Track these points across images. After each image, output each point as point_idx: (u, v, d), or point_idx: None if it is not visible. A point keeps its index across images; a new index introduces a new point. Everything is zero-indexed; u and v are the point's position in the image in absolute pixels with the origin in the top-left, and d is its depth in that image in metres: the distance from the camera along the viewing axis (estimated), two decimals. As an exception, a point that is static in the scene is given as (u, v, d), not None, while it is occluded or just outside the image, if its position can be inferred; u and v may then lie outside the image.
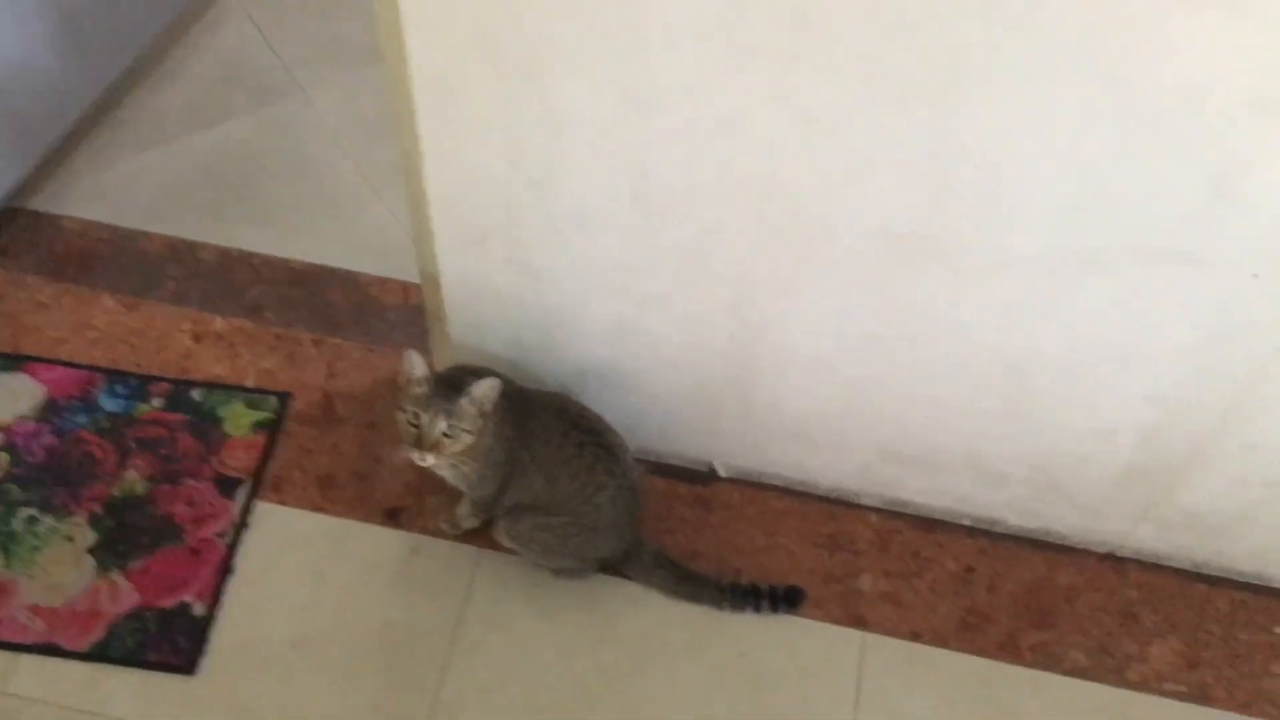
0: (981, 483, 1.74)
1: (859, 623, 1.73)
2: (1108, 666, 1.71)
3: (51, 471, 1.78)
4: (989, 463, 1.69)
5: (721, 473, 1.85)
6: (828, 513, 1.83)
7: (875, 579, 1.78)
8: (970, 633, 1.73)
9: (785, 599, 1.72)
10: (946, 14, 1.09)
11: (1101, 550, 1.81)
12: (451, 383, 1.54)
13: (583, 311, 1.59)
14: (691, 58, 1.18)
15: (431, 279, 1.63)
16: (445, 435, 1.51)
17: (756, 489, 1.85)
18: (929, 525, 1.83)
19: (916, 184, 1.26)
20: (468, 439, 1.53)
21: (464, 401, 1.51)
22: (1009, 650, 1.72)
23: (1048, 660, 1.71)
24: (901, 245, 1.34)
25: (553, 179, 1.38)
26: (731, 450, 1.81)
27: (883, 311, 1.46)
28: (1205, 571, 1.80)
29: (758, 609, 1.72)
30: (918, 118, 1.19)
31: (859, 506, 1.84)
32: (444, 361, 1.77)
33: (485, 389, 1.52)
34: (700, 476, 1.86)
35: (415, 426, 1.52)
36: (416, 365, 1.52)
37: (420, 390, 1.52)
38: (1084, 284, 1.34)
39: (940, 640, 1.72)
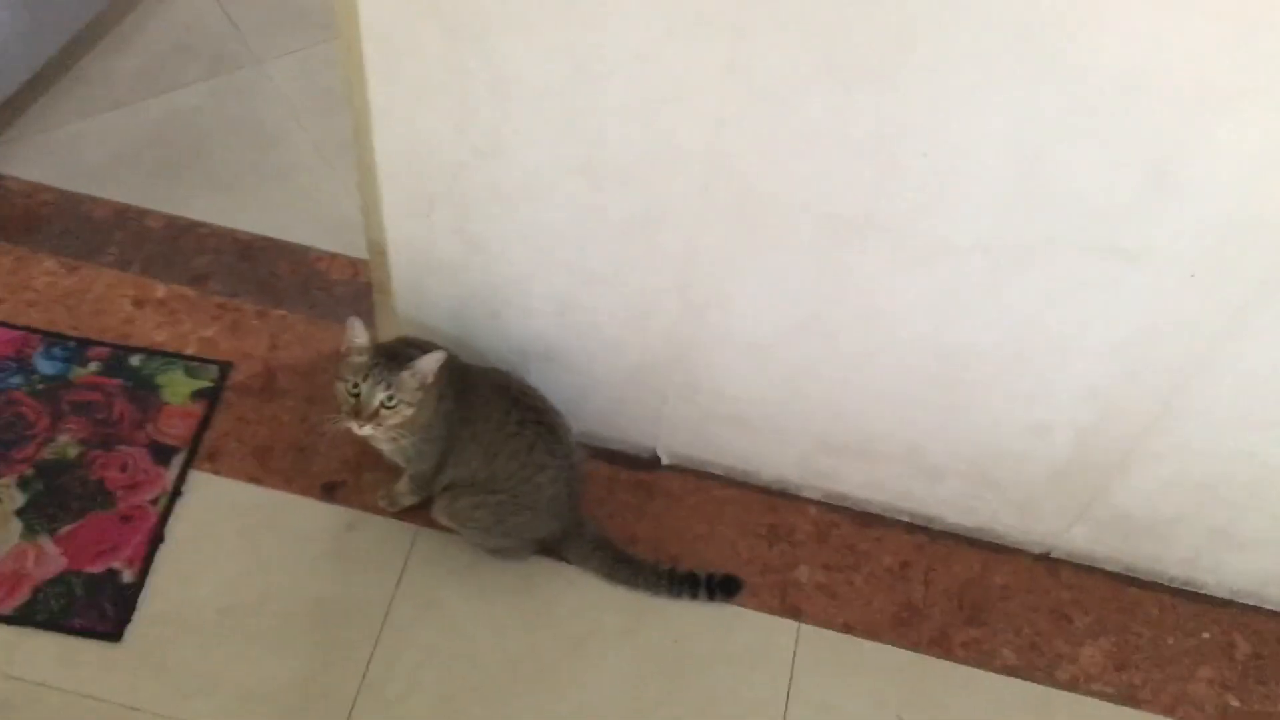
0: (919, 477, 1.74)
1: (794, 613, 1.73)
2: (1038, 665, 1.72)
3: (-19, 431, 1.75)
4: (926, 456, 1.70)
5: (664, 459, 1.85)
6: (768, 504, 1.83)
7: (812, 571, 1.78)
8: (904, 627, 1.74)
9: (722, 587, 1.72)
10: (895, -9, 1.09)
11: (1037, 551, 1.82)
12: (393, 354, 1.53)
13: (528, 287, 1.58)
14: (643, 26, 1.18)
15: (378, 249, 1.62)
16: (384, 406, 1.50)
17: (699, 477, 1.84)
18: (867, 520, 1.83)
19: (861, 165, 1.27)
20: (407, 411, 1.52)
21: (405, 374, 1.50)
22: (941, 646, 1.72)
23: (979, 657, 1.72)
24: (842, 227, 1.34)
25: (500, 147, 1.37)
26: (674, 436, 1.80)
27: (821, 295, 1.46)
28: (1137, 575, 1.82)
29: (695, 596, 1.71)
30: (865, 97, 1.20)
31: (799, 499, 1.84)
32: (388, 335, 1.75)
33: (429, 362, 1.51)
34: (643, 462, 1.85)
35: (355, 396, 1.50)
36: (358, 333, 1.51)
37: (361, 359, 1.51)
38: (1021, 275, 1.36)
39: (874, 633, 1.73)
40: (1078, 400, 1.52)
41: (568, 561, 1.73)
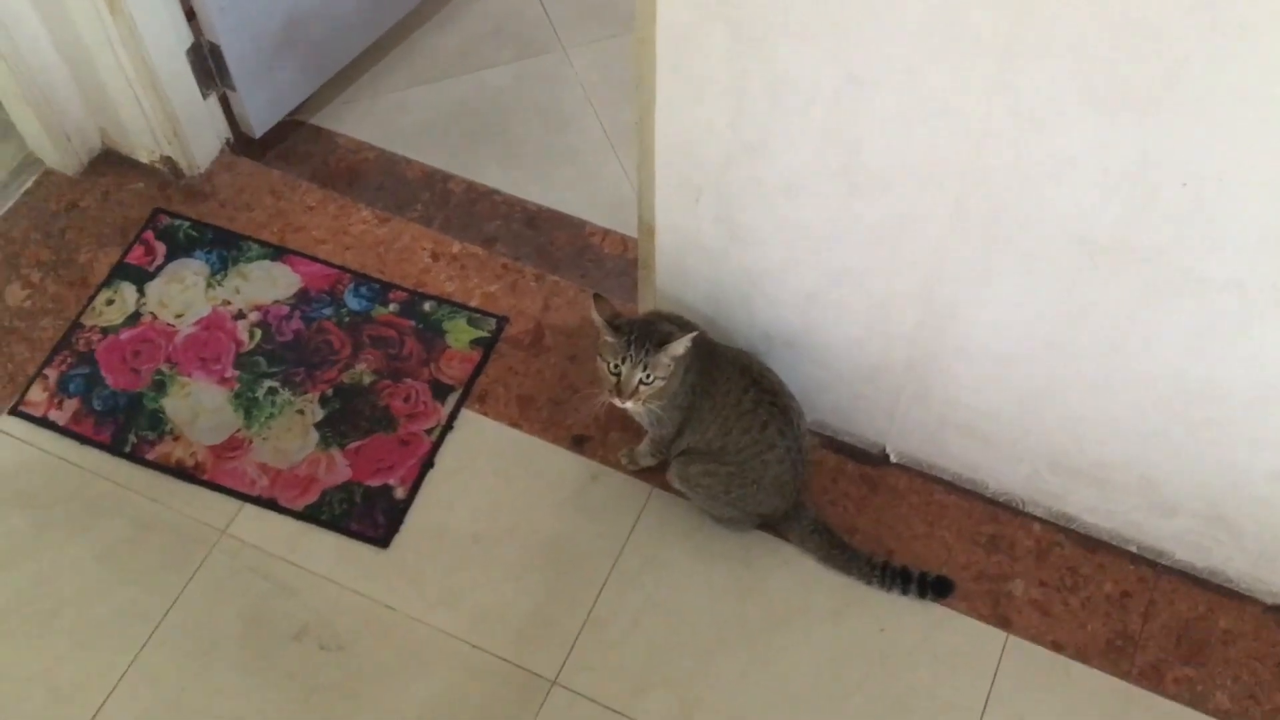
0: (1151, 509, 1.71)
1: (1004, 624, 1.74)
2: (1253, 714, 1.66)
3: (295, 352, 2.00)
4: (1161, 490, 1.67)
5: (892, 457, 1.89)
6: (991, 514, 1.84)
7: (1028, 586, 1.78)
8: (1115, 654, 1.72)
9: (935, 587, 1.75)
10: (1169, 22, 1.10)
11: (1270, 601, 1.75)
12: (646, 329, 1.64)
13: (779, 277, 1.66)
14: (914, 40, 1.24)
15: (648, 229, 1.74)
16: (642, 383, 1.62)
17: (924, 479, 1.88)
18: (1092, 545, 1.81)
19: (1118, 192, 1.27)
20: (660, 384, 1.64)
21: (661, 355, 1.61)
22: (1152, 679, 1.69)
23: (1191, 696, 1.68)
24: (1093, 252, 1.35)
25: (767, 145, 1.45)
26: (905, 436, 1.84)
27: (1069, 317, 1.47)
28: (1381, 644, 1.72)
29: (905, 591, 1.75)
30: (1127, 125, 1.20)
31: (1023, 514, 1.84)
32: (646, 307, 1.88)
33: (682, 344, 1.61)
34: (870, 457, 1.90)
35: (616, 375, 1.63)
36: (598, 315, 1.64)
37: (612, 339, 1.63)
38: (1276, 317, 1.32)
39: (1083, 656, 1.71)
40: (1328, 452, 1.46)
41: (786, 540, 1.81)
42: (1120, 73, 1.17)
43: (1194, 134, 1.19)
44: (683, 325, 1.70)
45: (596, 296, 1.66)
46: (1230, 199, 1.23)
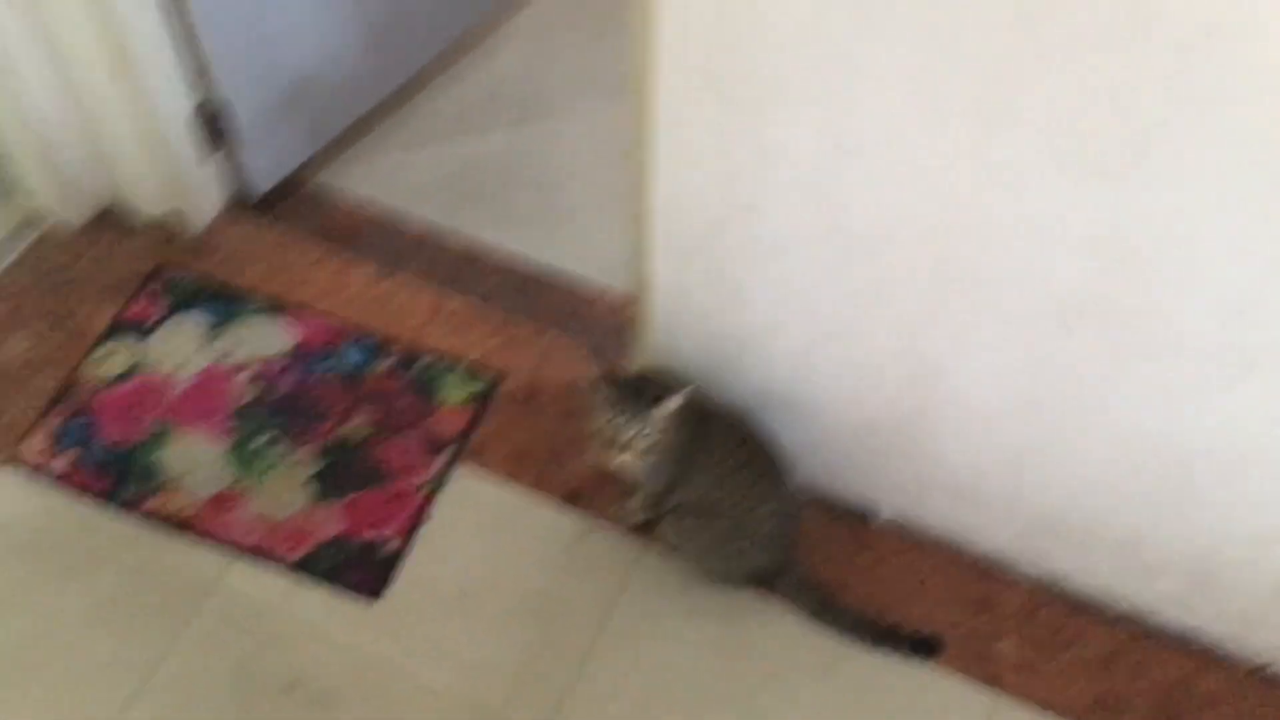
0: (1137, 569, 1.74)
1: (992, 682, 1.76)
2: (1239, 777, 1.68)
3: (293, 405, 2.04)
4: (1146, 550, 1.70)
5: (882, 515, 1.92)
6: (980, 573, 1.87)
7: (1017, 645, 1.80)
8: (1103, 713, 1.74)
9: (923, 646, 1.77)
10: (1140, 91, 1.16)
11: (1255, 663, 1.78)
12: (636, 388, 1.69)
13: (770, 337, 1.71)
14: (895, 110, 1.30)
15: (642, 288, 1.79)
16: (638, 438, 1.67)
17: (913, 537, 1.91)
18: (1079, 605, 1.84)
19: (1092, 255, 1.33)
20: (654, 440, 1.68)
21: (655, 411, 1.66)
22: (1139, 739, 1.72)
23: (1177, 758, 1.70)
24: (1066, 313, 1.40)
25: (757, 206, 1.51)
26: (894, 495, 1.88)
27: (1049, 377, 1.51)
28: (1366, 707, 1.74)
29: (894, 650, 1.78)
30: (1101, 188, 1.26)
31: (1013, 573, 1.87)
32: (639, 364, 1.92)
33: (676, 400, 1.66)
34: (860, 515, 1.93)
35: (612, 430, 1.68)
36: (595, 391, 1.69)
37: (607, 395, 1.68)
38: (1251, 382, 1.37)
39: (1071, 715, 1.73)
40: (1307, 512, 1.50)
41: (776, 594, 1.83)
42: (1092, 138, 1.22)
43: (1165, 200, 1.24)
44: (676, 382, 1.74)
45: (601, 379, 1.71)
46: (1203, 264, 1.28)
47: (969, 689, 1.76)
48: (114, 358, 2.09)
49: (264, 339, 2.11)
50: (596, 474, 1.95)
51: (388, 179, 2.38)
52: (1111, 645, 1.80)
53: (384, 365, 2.09)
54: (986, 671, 1.77)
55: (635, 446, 1.67)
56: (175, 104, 2.08)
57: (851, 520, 1.93)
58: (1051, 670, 1.78)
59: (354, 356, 2.10)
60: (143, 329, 2.13)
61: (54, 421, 2.01)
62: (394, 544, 1.89)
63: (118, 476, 1.95)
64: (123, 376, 2.07)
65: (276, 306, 2.16)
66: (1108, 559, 1.76)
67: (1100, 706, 1.74)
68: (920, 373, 1.61)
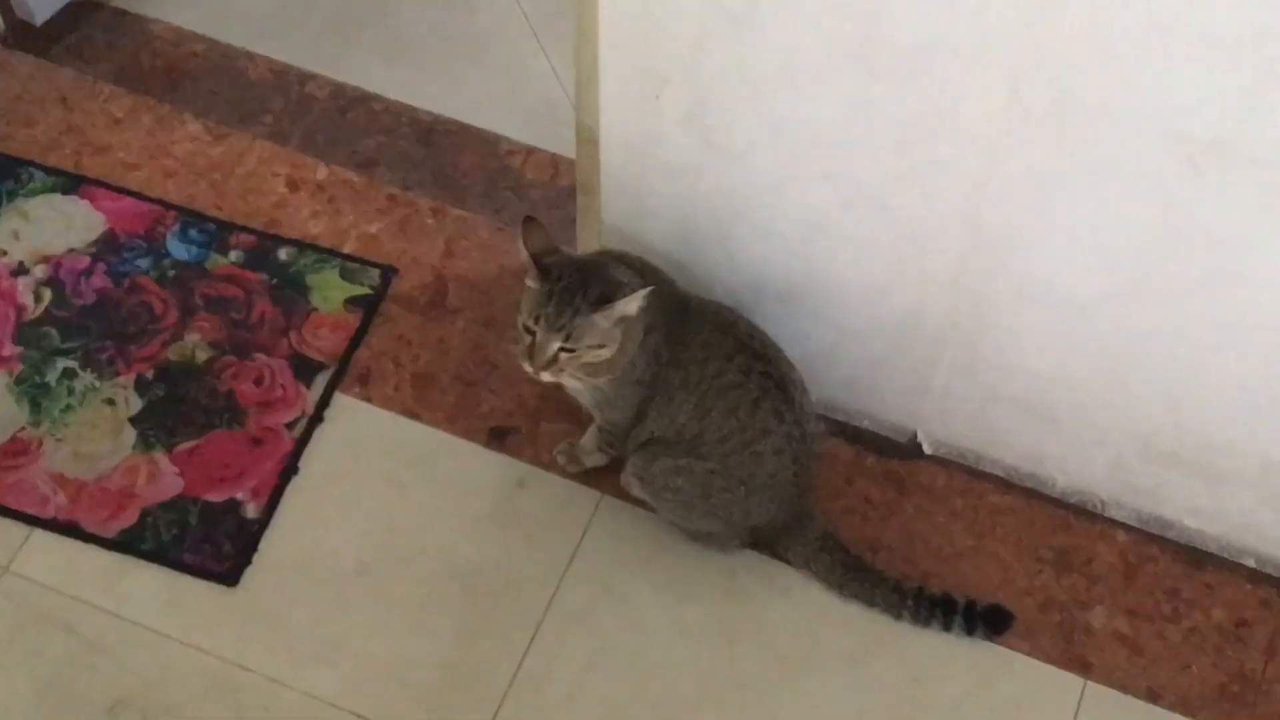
0: (1277, 508, 1.75)
1: (1081, 667, 1.77)
2: None
3: (100, 320, 1.98)
4: (1292, 485, 1.71)
5: (927, 446, 1.91)
6: (1061, 520, 1.87)
7: (1111, 615, 1.81)
8: (1231, 704, 1.75)
9: (986, 620, 1.77)
10: None
11: None
12: (586, 278, 1.62)
13: (773, 201, 1.67)
14: None
15: (589, 138, 1.74)
16: (564, 351, 1.62)
17: (970, 475, 1.90)
18: (1197, 559, 1.85)
19: (1228, 73, 1.30)
20: (599, 354, 1.63)
21: (597, 316, 1.60)
22: (1280, 735, 1.73)
23: (1332, 757, 1.72)
24: (1196, 152, 1.37)
25: (755, 13, 1.45)
26: (944, 418, 1.86)
27: (1162, 246, 1.49)
28: None
29: (947, 626, 1.77)
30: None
31: (1105, 519, 1.87)
32: (589, 248, 1.88)
33: (628, 304, 1.60)
34: (897, 447, 1.92)
35: (530, 334, 1.63)
36: (526, 248, 1.62)
37: (535, 285, 1.62)
38: None
39: (1188, 707, 1.75)
40: None
41: (786, 561, 1.82)
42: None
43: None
44: (642, 270, 1.70)
45: (528, 221, 1.64)
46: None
47: (1051, 674, 1.76)
48: None
49: (56, 226, 2.06)
50: (533, 403, 1.91)
51: (220, 2, 2.30)
52: (1242, 611, 1.81)
53: (228, 260, 2.03)
54: (1073, 652, 1.78)
55: (565, 363, 1.63)
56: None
57: (888, 455, 1.91)
58: (1161, 647, 1.79)
59: (185, 249, 2.04)
60: (-120, 217, 2.06)
61: None
62: (254, 507, 1.85)
63: None
64: None
65: (72, 180, 2.09)
66: (1237, 496, 1.76)
67: (1227, 695, 1.75)
68: (984, 242, 1.59)
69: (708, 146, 1.64)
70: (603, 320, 1.60)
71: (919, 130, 1.50)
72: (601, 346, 1.63)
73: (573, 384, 1.70)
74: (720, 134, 1.62)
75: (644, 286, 1.61)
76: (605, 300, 1.59)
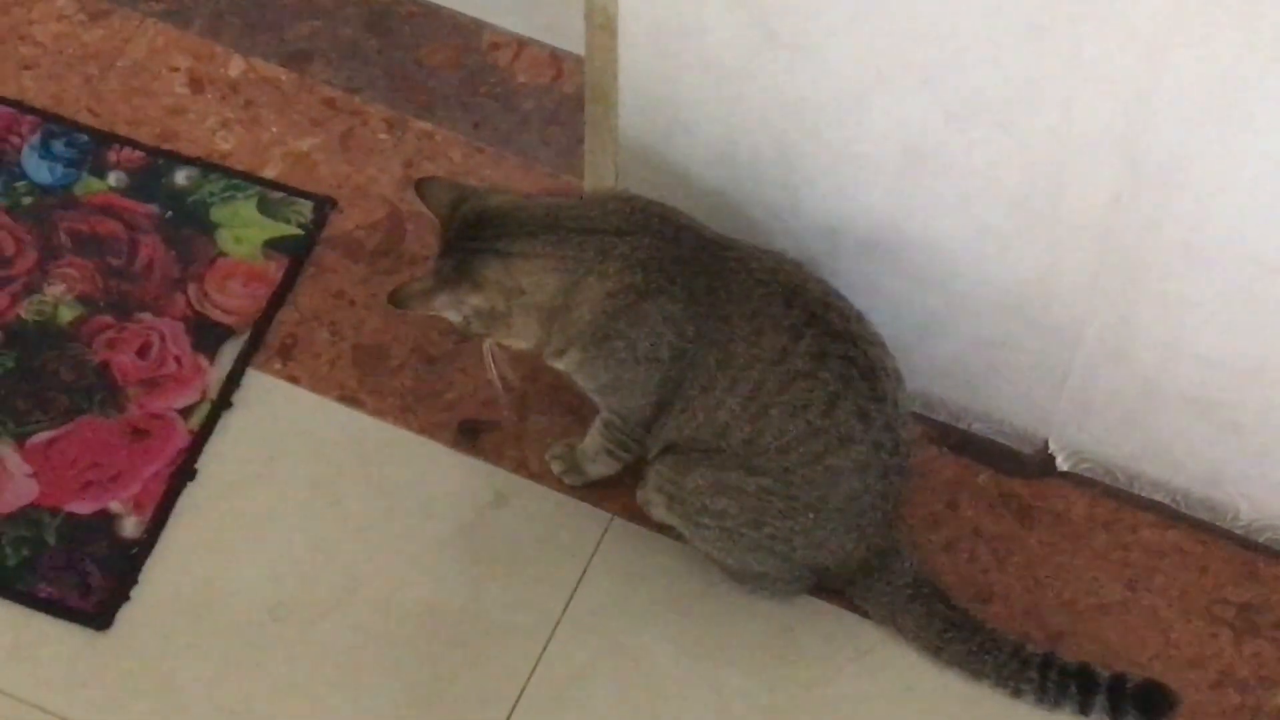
0: None
1: (1274, 764, 1.78)
2: None
3: (-73, 263, 2.00)
4: None
5: (1060, 460, 1.91)
6: (1245, 565, 1.87)
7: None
8: None
9: (1139, 702, 1.76)
10: None
11: None
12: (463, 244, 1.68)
13: (854, 114, 1.66)
14: None
15: (603, 26, 1.74)
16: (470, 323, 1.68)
17: (1119, 500, 1.90)
18: None
19: None
20: (515, 342, 1.70)
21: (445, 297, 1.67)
22: None
23: None
24: None
25: None
26: (1083, 421, 1.86)
27: None
28: None
29: (1084, 709, 1.76)
30: None
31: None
32: (600, 178, 1.88)
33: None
34: (1020, 461, 1.92)
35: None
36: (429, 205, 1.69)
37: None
38: None
39: None
40: None
41: (863, 614, 1.82)
42: None
43: None
44: (664, 216, 1.71)
45: (423, 183, 1.70)
46: None
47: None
48: None
49: None
50: (518, 388, 1.91)
51: None
52: None
53: (105, 184, 2.05)
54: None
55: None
56: None
57: (1007, 471, 1.92)
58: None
59: (44, 167, 2.06)
60: None
61: None
62: (132, 523, 1.86)
63: None
64: None
65: (-108, 72, 2.11)
66: None
67: None
68: (1145, 175, 1.58)
69: (767, 38, 1.64)
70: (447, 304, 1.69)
71: (1057, 16, 1.49)
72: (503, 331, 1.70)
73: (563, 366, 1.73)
74: (783, 18, 1.62)
75: (543, 261, 1.66)
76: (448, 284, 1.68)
